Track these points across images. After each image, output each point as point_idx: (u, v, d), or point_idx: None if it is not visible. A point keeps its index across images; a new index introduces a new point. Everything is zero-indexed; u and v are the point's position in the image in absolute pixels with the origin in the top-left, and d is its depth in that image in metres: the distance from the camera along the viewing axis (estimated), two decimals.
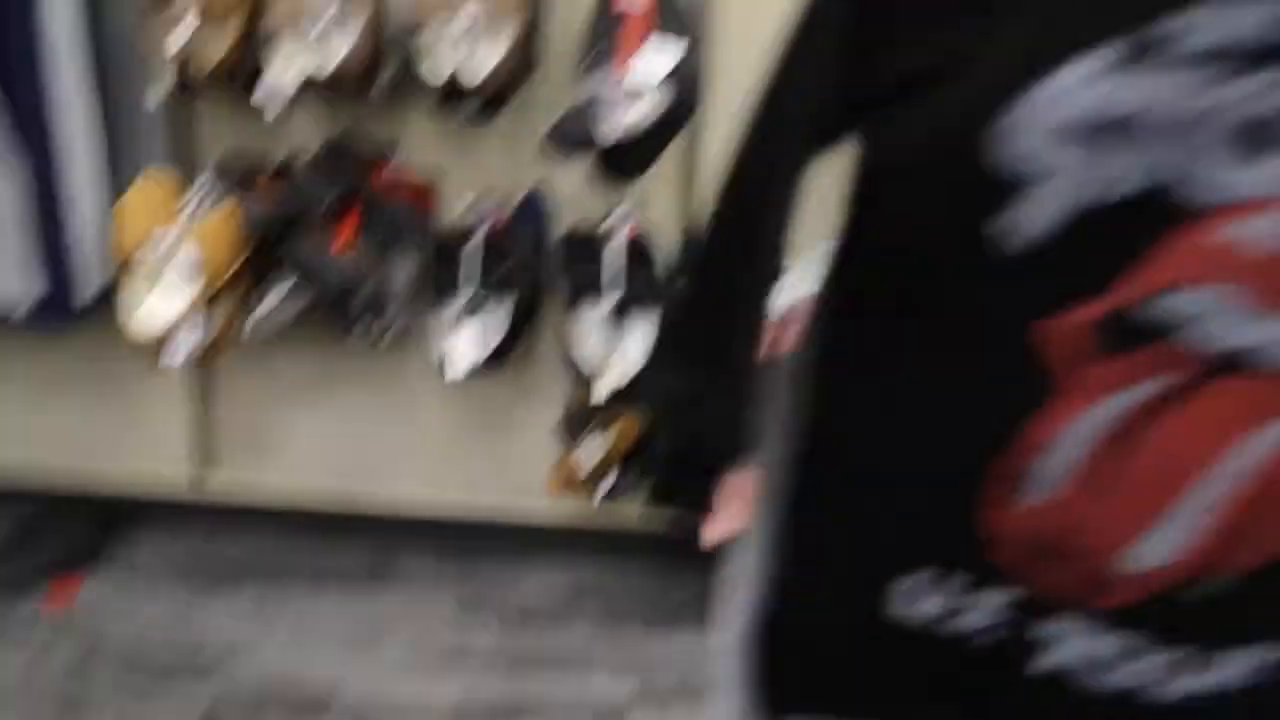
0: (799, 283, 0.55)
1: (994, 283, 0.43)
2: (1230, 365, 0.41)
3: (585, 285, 1.77)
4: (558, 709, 1.74)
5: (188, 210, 1.75)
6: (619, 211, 1.81)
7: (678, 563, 2.06)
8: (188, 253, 1.70)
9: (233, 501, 2.19)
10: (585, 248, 1.78)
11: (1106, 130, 0.38)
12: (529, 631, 1.93)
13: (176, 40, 1.66)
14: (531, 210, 1.87)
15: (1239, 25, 0.36)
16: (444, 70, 1.64)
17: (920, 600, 0.50)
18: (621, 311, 1.76)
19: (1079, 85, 0.38)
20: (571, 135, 1.59)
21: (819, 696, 0.55)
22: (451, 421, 2.11)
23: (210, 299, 1.72)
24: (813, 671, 0.55)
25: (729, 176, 0.51)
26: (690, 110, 1.61)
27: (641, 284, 1.75)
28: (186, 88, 1.76)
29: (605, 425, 1.86)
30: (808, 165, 0.49)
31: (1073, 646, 0.47)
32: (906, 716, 0.53)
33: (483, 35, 1.64)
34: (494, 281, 1.78)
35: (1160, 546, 0.44)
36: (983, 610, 0.49)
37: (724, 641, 0.60)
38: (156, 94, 1.83)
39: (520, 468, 2.09)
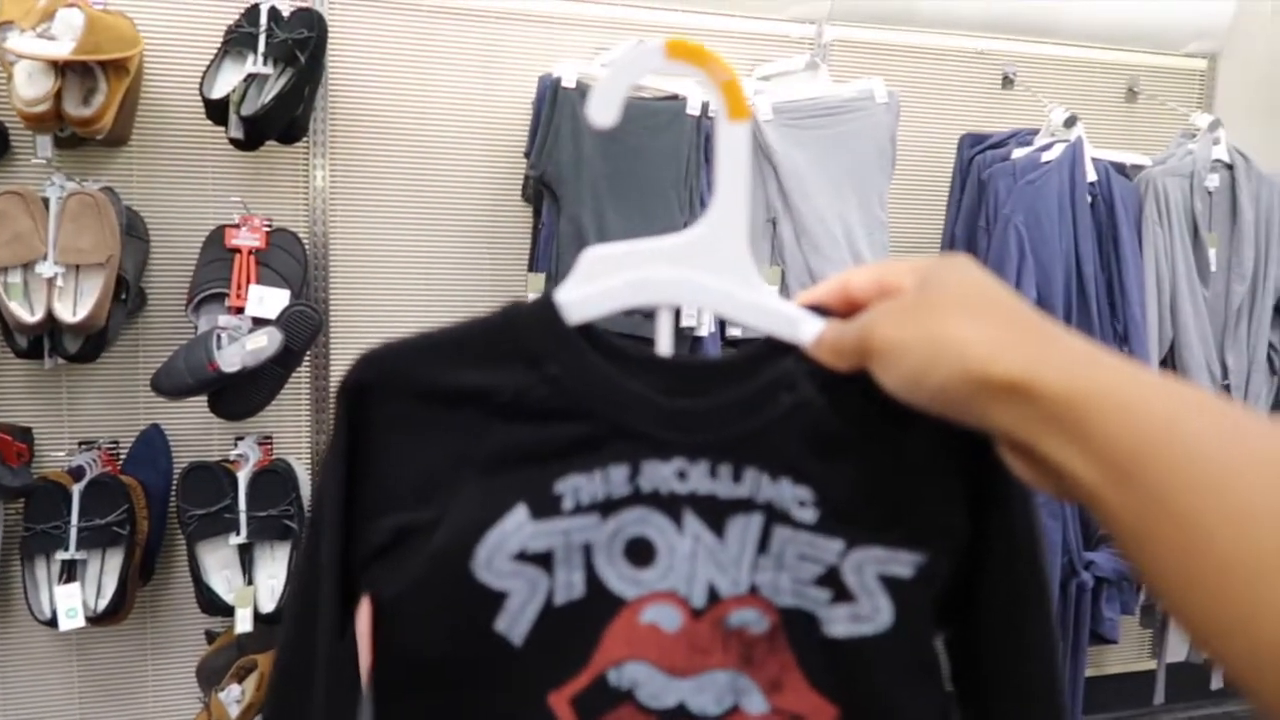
0: None
1: (513, 668, 0.54)
2: (672, 717, 0.54)
3: (213, 519, 1.69)
4: None
5: None
6: (246, 442, 1.77)
7: None
8: None
9: None
10: (211, 482, 1.71)
11: (542, 557, 0.53)
12: None
13: None
14: (148, 449, 1.78)
15: (600, 488, 0.53)
16: (40, 310, 1.55)
17: None
18: (254, 543, 1.70)
19: (514, 529, 0.52)
20: (183, 373, 1.56)
21: None
22: (69, 685, 1.87)
23: None
24: None
25: (287, 611, 0.59)
26: (305, 346, 1.64)
27: (276, 510, 1.70)
28: None
29: (246, 671, 1.75)
30: (344, 609, 0.57)
31: None
32: None
33: (80, 272, 1.58)
34: (104, 529, 1.65)
35: None
36: None
37: None
38: None
39: None
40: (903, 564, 0.52)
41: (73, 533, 1.63)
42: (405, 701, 0.56)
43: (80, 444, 1.76)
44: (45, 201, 1.58)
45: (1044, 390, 0.39)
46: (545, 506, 0.52)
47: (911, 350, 0.44)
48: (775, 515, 0.52)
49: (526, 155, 1.73)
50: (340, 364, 1.87)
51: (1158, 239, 1.92)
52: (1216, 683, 2.22)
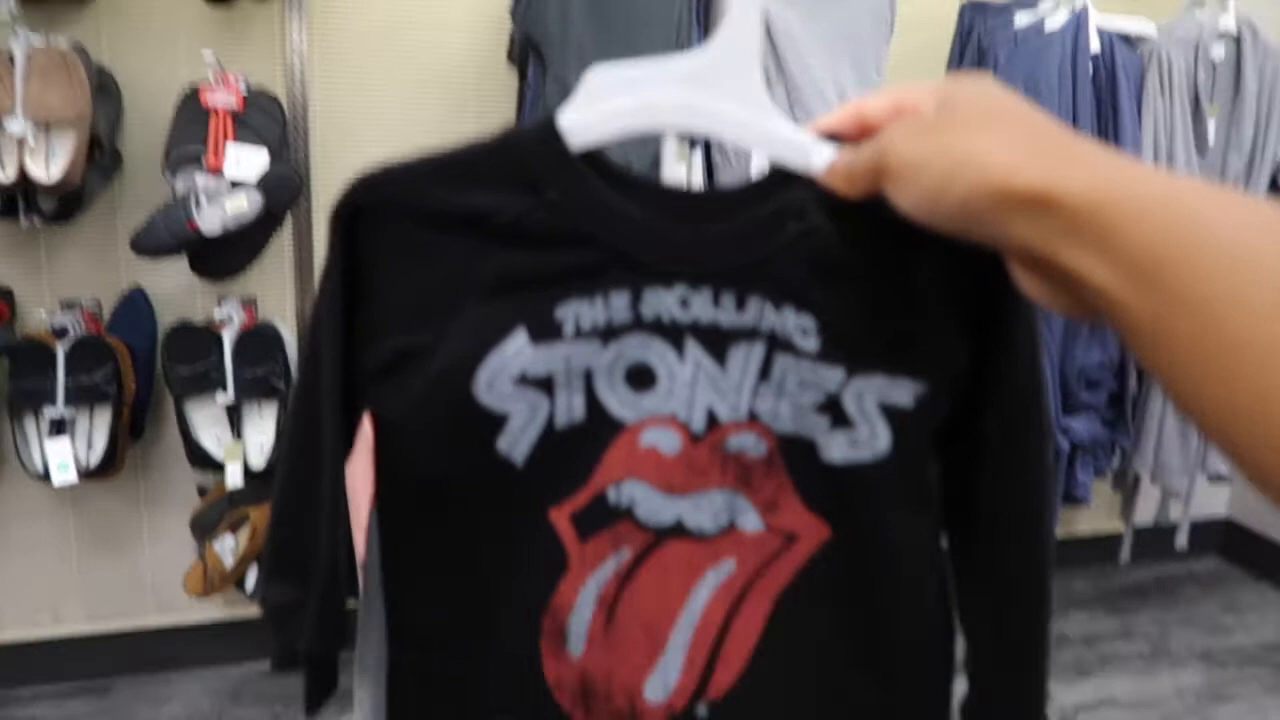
0: None
1: (514, 487, 0.55)
2: (669, 534, 0.55)
3: (200, 378, 1.70)
4: None
5: None
6: (230, 303, 1.76)
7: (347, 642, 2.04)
8: None
9: None
10: (196, 341, 1.71)
11: (542, 381, 0.53)
12: None
13: None
14: (131, 310, 1.77)
15: (601, 314, 0.52)
16: (11, 169, 1.52)
17: None
18: (241, 402, 1.72)
19: (514, 353, 0.52)
20: (163, 233, 1.53)
21: None
22: (66, 538, 1.93)
23: None
24: None
25: (287, 434, 0.60)
26: (285, 208, 1.61)
27: (262, 370, 1.72)
28: None
29: (239, 522, 1.80)
30: (347, 430, 0.57)
31: None
32: None
33: (52, 131, 1.54)
34: (91, 388, 1.66)
35: (664, 681, 0.57)
36: None
37: None
38: None
39: (153, 576, 1.97)
40: (903, 392, 0.52)
41: (60, 390, 1.65)
42: (410, 521, 0.57)
43: (62, 304, 1.75)
44: (9, 57, 1.52)
45: (1066, 199, 0.38)
46: (545, 331, 0.52)
47: (931, 166, 0.43)
48: (777, 343, 0.52)
49: (512, 14, 1.65)
50: (323, 227, 1.84)
51: (1158, 110, 1.87)
52: (1181, 542, 2.31)
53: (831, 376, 0.52)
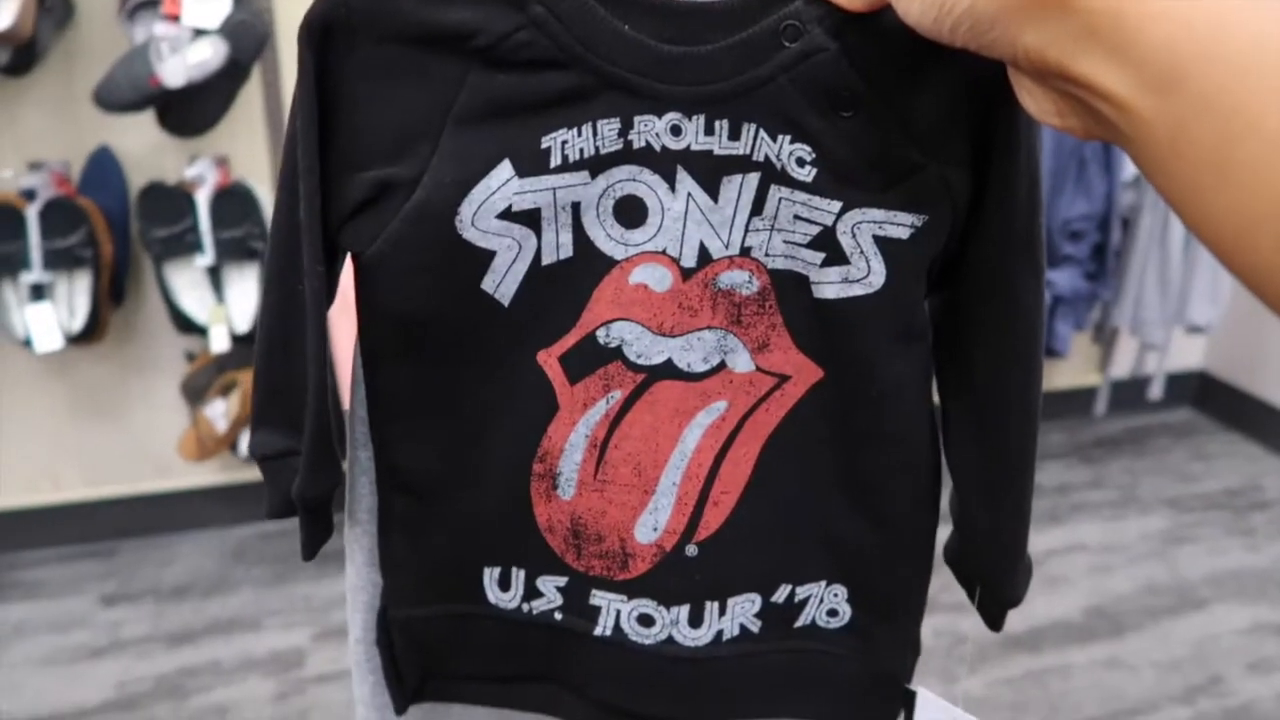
0: None
1: (501, 327, 0.53)
2: (660, 374, 0.55)
3: (177, 240, 1.68)
4: (231, 668, 1.72)
5: None
6: (202, 162, 1.72)
7: (341, 502, 2.08)
8: None
9: None
10: (170, 202, 1.68)
11: (529, 215, 0.51)
12: (188, 606, 1.88)
13: None
14: (99, 171, 1.72)
15: (589, 143, 0.50)
16: None
17: (501, 592, 0.60)
18: (221, 264, 1.70)
19: (499, 186, 0.50)
20: (125, 86, 1.48)
21: (433, 682, 0.64)
22: (58, 406, 1.94)
23: None
24: (424, 661, 0.63)
25: (265, 278, 0.57)
26: (251, 58, 1.55)
27: (240, 231, 1.69)
28: None
29: (228, 386, 1.81)
30: (329, 259, 0.55)
31: (613, 613, 0.59)
32: (511, 695, 0.64)
33: None
34: (66, 251, 1.63)
35: (654, 522, 0.57)
36: (548, 592, 0.60)
37: (351, 634, 0.67)
38: None
39: (148, 441, 1.99)
40: (899, 225, 0.51)
41: (34, 254, 1.62)
42: (395, 365, 0.56)
43: (29, 165, 1.71)
44: None
45: (1082, 1, 0.37)
46: (531, 162, 0.50)
47: None
48: (772, 174, 0.51)
49: None
50: (292, 76, 1.78)
51: None
52: (1155, 393, 2.36)
53: (827, 208, 0.51)
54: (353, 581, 0.65)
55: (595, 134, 0.50)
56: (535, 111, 0.50)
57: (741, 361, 0.54)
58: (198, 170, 1.70)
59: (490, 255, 0.52)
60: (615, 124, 0.50)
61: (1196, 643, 1.83)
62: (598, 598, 0.59)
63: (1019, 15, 0.39)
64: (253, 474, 2.01)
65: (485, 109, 0.50)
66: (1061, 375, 2.57)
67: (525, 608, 0.60)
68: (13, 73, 1.57)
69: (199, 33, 1.50)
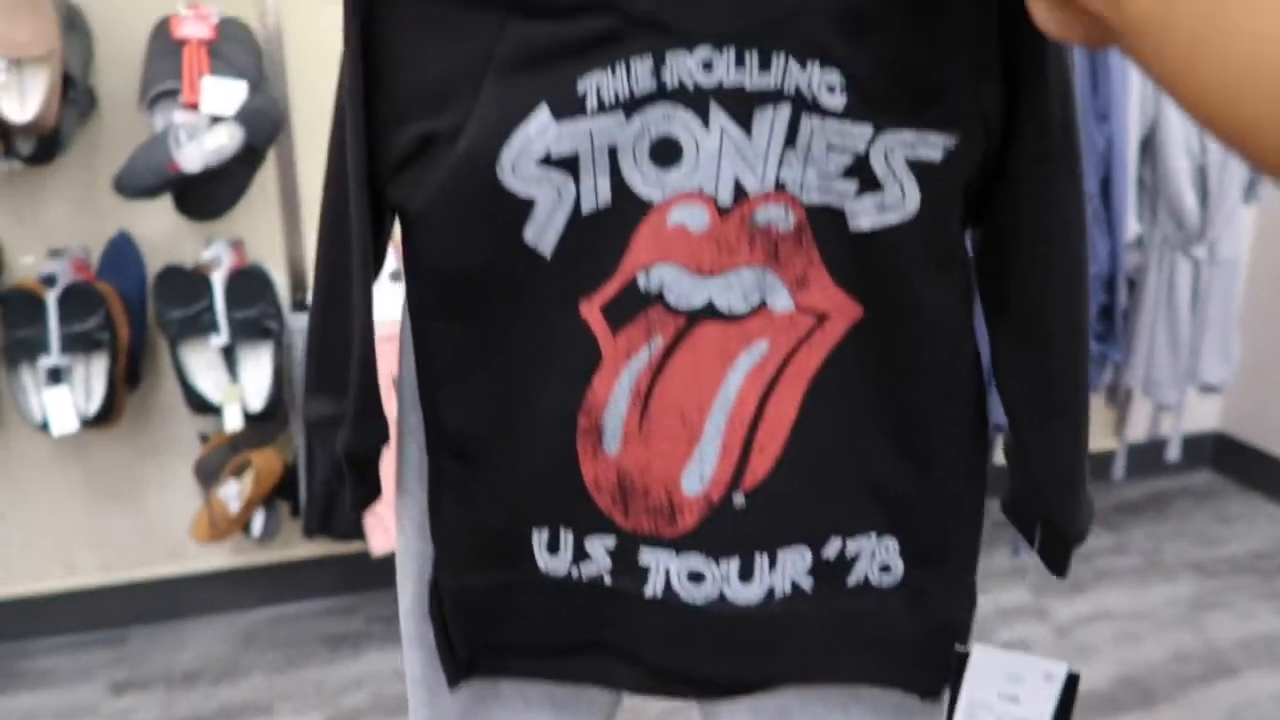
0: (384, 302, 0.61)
1: (543, 278, 0.54)
2: (701, 317, 0.54)
3: (192, 321, 1.70)
4: None
5: None
6: (218, 245, 1.75)
7: (354, 586, 2.06)
8: None
9: None
10: (187, 284, 1.70)
11: (568, 161, 0.52)
12: (198, 692, 1.84)
13: None
14: (118, 256, 1.76)
15: (623, 84, 0.51)
16: None
17: (550, 555, 0.59)
18: (236, 344, 1.72)
19: (538, 132, 0.51)
20: (145, 172, 1.52)
21: (484, 656, 0.62)
22: (72, 489, 1.94)
23: None
24: (477, 631, 0.62)
25: (320, 231, 0.58)
26: (267, 142, 1.59)
27: (254, 311, 1.71)
28: None
29: (242, 467, 1.81)
30: (377, 217, 0.56)
31: (662, 572, 0.58)
32: (562, 668, 0.62)
33: (23, 69, 1.51)
34: (85, 335, 1.66)
35: (700, 472, 0.56)
36: (595, 554, 0.58)
37: (402, 606, 0.66)
38: None
39: (162, 524, 1.98)
40: (932, 146, 0.51)
41: (53, 339, 1.64)
42: (441, 319, 0.56)
43: (50, 252, 1.74)
44: None
45: None
46: (568, 105, 0.51)
47: None
48: (803, 104, 0.51)
49: None
50: (306, 160, 1.82)
51: None
52: (1172, 455, 2.34)
53: (859, 134, 0.51)
54: (402, 552, 0.64)
55: (629, 74, 0.51)
56: (571, 56, 0.51)
57: (781, 300, 0.54)
58: (214, 253, 1.73)
59: (531, 205, 0.52)
60: (648, 62, 0.51)
61: (1230, 711, 1.78)
62: (647, 556, 0.58)
63: None
64: (264, 556, 2.01)
65: (523, 56, 0.51)
66: None
67: (574, 572, 0.59)
68: (36, 162, 1.62)
69: (216, 119, 1.55)
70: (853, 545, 0.58)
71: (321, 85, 1.80)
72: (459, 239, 0.53)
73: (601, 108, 0.51)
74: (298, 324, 1.77)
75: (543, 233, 0.53)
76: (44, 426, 1.68)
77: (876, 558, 0.59)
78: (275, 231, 1.85)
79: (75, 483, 1.94)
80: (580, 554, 0.58)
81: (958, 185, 0.52)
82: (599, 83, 0.51)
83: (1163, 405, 2.20)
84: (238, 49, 1.61)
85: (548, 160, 0.51)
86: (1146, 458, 2.50)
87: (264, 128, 1.56)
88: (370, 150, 0.53)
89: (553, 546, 0.59)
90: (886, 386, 0.55)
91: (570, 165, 0.52)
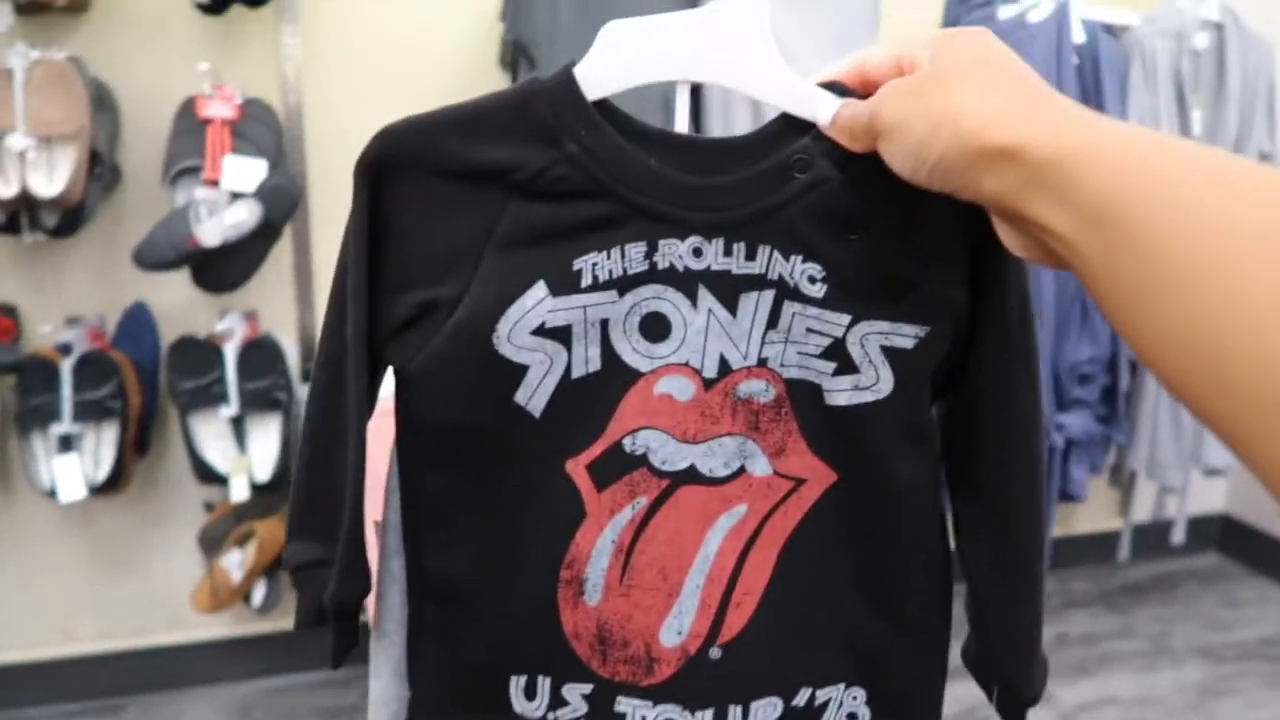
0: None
1: (531, 437, 0.56)
2: (683, 480, 0.57)
3: (203, 391, 1.72)
4: None
5: None
6: (232, 316, 1.78)
7: (351, 658, 2.04)
8: None
9: None
10: (199, 355, 1.73)
11: (561, 332, 0.55)
12: None
13: None
14: (134, 325, 1.79)
15: (617, 265, 0.55)
16: (13, 184, 1.54)
17: (527, 701, 0.60)
18: (245, 415, 1.73)
19: (534, 305, 0.54)
20: (164, 246, 1.55)
21: None
22: (76, 557, 1.93)
23: None
24: None
25: (312, 393, 0.61)
26: (284, 218, 1.63)
27: (265, 382, 1.73)
28: None
29: (246, 537, 1.81)
30: (372, 373, 0.59)
31: (639, 719, 0.59)
32: None
33: (52, 145, 1.56)
34: (97, 403, 1.67)
35: (679, 626, 0.59)
36: (573, 701, 0.60)
37: None
38: None
39: (164, 592, 1.97)
40: (905, 336, 0.55)
41: (66, 407, 1.66)
42: (430, 475, 0.58)
43: (67, 320, 1.77)
44: (8, 73, 1.54)
45: (1032, 153, 0.41)
46: (564, 283, 0.54)
47: (914, 126, 0.46)
48: (786, 291, 0.54)
49: (501, 17, 1.68)
50: (322, 237, 1.86)
51: (1142, 101, 1.90)
52: (1177, 538, 2.33)
53: (838, 321, 0.54)
54: (377, 695, 0.65)
55: (623, 256, 0.54)
56: (568, 237, 0.54)
57: (760, 466, 0.57)
58: (228, 324, 1.76)
59: (524, 370, 0.55)
60: (642, 247, 0.54)
61: None
62: (623, 704, 0.59)
63: (978, 166, 0.43)
64: (263, 627, 1.99)
65: (523, 235, 0.54)
66: (1082, 520, 2.54)
67: (550, 717, 0.60)
68: (60, 234, 1.65)
69: (236, 196, 1.59)
70: (822, 694, 0.60)
71: (338, 162, 1.86)
72: (454, 399, 0.56)
73: (595, 285, 0.54)
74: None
75: (534, 395, 0.55)
76: (52, 493, 1.68)
77: (844, 706, 0.60)
78: (288, 302, 1.88)
79: (79, 550, 1.94)
80: (557, 701, 0.60)
81: (927, 370, 0.56)
82: (594, 263, 0.54)
83: (1167, 487, 2.19)
84: (260, 128, 1.66)
85: (542, 330, 0.54)
86: (1151, 538, 2.48)
87: (282, 204, 1.60)
88: (370, 312, 0.56)
89: (530, 693, 0.60)
90: (858, 546, 0.58)
91: (563, 335, 0.55)
